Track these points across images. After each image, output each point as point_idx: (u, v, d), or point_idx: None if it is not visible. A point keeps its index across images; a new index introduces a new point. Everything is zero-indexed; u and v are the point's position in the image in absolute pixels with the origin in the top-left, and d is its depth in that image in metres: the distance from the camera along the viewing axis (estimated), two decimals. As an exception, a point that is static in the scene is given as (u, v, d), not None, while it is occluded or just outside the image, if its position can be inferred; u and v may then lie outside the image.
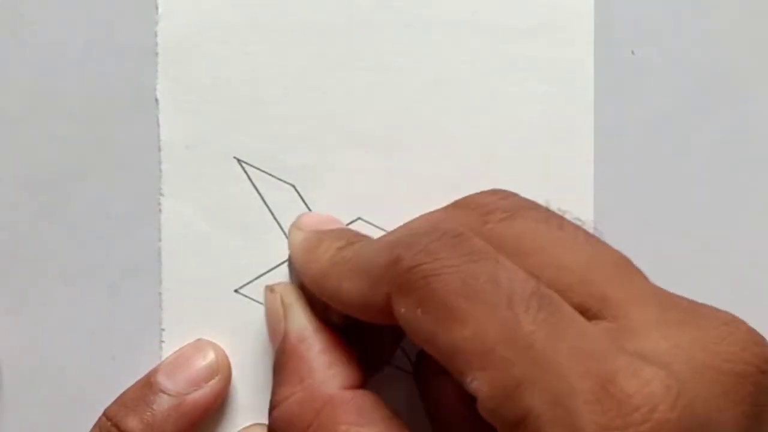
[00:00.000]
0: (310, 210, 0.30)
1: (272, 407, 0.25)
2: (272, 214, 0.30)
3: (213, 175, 0.30)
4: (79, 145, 0.30)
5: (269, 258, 0.29)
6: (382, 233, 0.30)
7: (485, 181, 0.30)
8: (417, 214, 0.30)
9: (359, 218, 0.30)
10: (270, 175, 0.30)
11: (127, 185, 0.30)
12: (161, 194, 0.30)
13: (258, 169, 0.30)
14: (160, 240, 0.30)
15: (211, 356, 0.29)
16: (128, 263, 0.30)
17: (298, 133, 0.30)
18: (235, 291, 0.30)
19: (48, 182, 0.30)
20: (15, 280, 0.30)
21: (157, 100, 0.30)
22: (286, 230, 0.30)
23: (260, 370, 0.29)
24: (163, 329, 0.30)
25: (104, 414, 0.28)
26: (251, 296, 0.30)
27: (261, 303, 0.28)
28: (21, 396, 0.30)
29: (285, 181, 0.30)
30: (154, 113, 0.30)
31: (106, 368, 0.30)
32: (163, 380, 0.28)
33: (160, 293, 0.30)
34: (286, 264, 0.30)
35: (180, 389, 0.28)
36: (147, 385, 0.28)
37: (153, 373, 0.29)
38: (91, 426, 0.29)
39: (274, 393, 0.25)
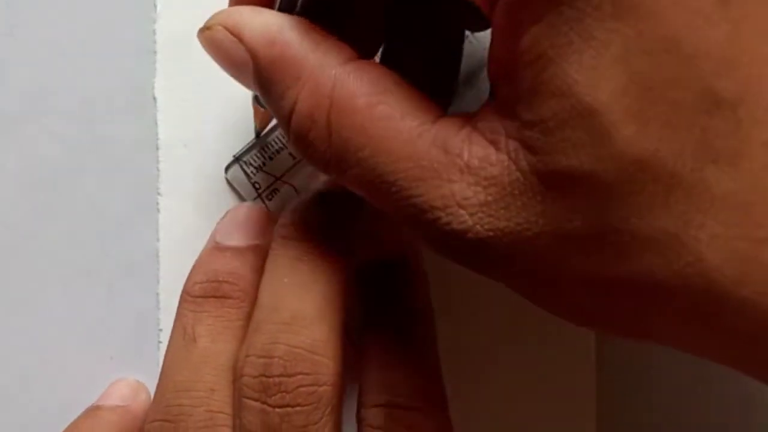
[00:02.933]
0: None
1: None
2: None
3: (211, 175, 0.30)
4: (76, 143, 0.30)
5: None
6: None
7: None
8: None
9: (359, 218, 0.30)
10: (269, 174, 0.30)
11: (125, 184, 0.30)
12: (159, 193, 0.30)
13: (256, 168, 0.30)
14: (157, 240, 0.30)
15: None
16: (126, 263, 0.30)
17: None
18: (234, 291, 0.30)
19: (45, 181, 0.30)
20: (12, 280, 0.30)
21: (155, 98, 0.30)
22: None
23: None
24: (160, 330, 0.30)
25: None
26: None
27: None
28: (18, 396, 0.30)
29: (284, 181, 0.30)
30: (152, 112, 0.30)
31: (104, 368, 0.30)
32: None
33: (157, 293, 0.30)
34: None
35: None
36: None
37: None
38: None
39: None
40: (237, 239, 0.28)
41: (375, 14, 0.25)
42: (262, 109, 0.28)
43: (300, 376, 0.24)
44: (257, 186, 0.29)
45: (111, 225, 0.30)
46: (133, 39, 0.30)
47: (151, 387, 0.30)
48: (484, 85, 0.29)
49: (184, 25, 0.29)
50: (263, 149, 0.29)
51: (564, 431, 0.30)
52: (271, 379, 0.24)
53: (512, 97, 0.20)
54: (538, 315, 0.30)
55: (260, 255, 0.27)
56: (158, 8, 0.29)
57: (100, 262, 0.30)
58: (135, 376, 0.30)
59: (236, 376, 0.25)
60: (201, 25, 0.29)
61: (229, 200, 0.30)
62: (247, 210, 0.29)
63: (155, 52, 0.29)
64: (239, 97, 0.29)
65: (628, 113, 0.18)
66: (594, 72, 0.18)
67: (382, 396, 0.26)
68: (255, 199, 0.29)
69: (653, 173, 0.18)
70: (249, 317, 0.26)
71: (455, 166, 0.20)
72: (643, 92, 0.18)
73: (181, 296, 0.27)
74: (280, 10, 0.23)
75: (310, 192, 0.27)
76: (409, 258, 0.28)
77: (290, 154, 0.29)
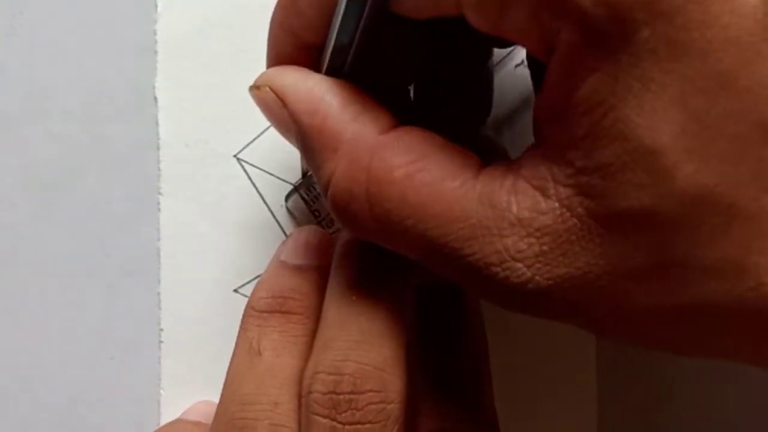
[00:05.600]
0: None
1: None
2: (272, 213, 0.30)
3: (212, 174, 0.30)
4: (78, 143, 0.30)
5: (268, 257, 0.29)
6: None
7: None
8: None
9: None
10: (270, 174, 0.30)
11: (126, 184, 0.30)
12: (160, 193, 0.30)
13: (257, 168, 0.30)
14: (158, 239, 0.30)
15: None
16: (127, 263, 0.30)
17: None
18: (235, 291, 0.30)
19: (47, 181, 0.30)
20: (13, 280, 0.30)
21: (156, 98, 0.30)
22: (286, 229, 0.30)
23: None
24: (161, 329, 0.30)
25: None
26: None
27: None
28: (19, 396, 0.30)
29: (285, 180, 0.30)
30: (153, 112, 0.30)
31: (104, 368, 0.30)
32: None
33: (158, 293, 0.30)
34: None
35: None
36: None
37: None
38: (88, 427, 0.29)
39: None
40: (301, 259, 0.28)
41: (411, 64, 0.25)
42: None
43: (370, 394, 0.24)
44: (317, 214, 0.30)
45: (112, 224, 0.30)
46: (134, 39, 0.30)
47: (151, 387, 0.30)
48: (522, 125, 0.29)
49: (185, 25, 0.29)
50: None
51: (564, 428, 0.30)
52: (341, 396, 0.24)
53: (562, 143, 0.19)
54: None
55: (323, 275, 0.27)
56: (159, 8, 0.29)
57: (101, 261, 0.30)
58: (135, 377, 0.30)
59: (304, 392, 0.25)
60: (202, 25, 0.29)
61: (230, 199, 0.30)
62: (311, 232, 0.29)
63: (156, 52, 0.30)
64: (239, 96, 0.29)
65: (687, 152, 0.18)
66: (654, 114, 0.18)
67: (436, 422, 0.26)
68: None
69: (714, 206, 0.18)
70: (313, 334, 0.26)
71: (505, 220, 0.20)
72: (702, 130, 0.18)
73: (246, 311, 0.27)
74: (328, 70, 0.23)
75: None
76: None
77: None
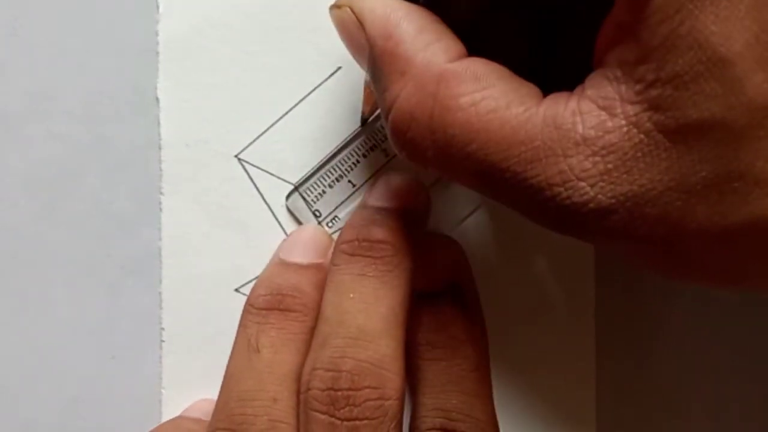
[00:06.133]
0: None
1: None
2: (273, 213, 0.30)
3: (213, 174, 0.30)
4: (79, 143, 0.30)
5: (269, 257, 0.29)
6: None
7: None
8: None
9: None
10: (271, 174, 0.30)
11: (128, 184, 0.30)
12: (162, 193, 0.30)
13: (259, 168, 0.30)
14: (160, 239, 0.30)
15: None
16: (128, 262, 0.30)
17: (300, 131, 0.30)
18: (236, 290, 0.30)
19: (48, 181, 0.30)
20: (15, 280, 0.30)
21: (157, 99, 0.30)
22: (287, 229, 0.30)
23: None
24: (163, 328, 0.30)
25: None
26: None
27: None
28: (21, 396, 0.30)
29: (286, 180, 0.30)
30: (154, 112, 0.30)
31: (106, 368, 0.30)
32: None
33: (160, 292, 0.30)
34: None
35: None
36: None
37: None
38: (89, 426, 0.29)
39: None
40: (300, 256, 0.28)
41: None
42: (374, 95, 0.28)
43: (367, 390, 0.24)
44: (317, 214, 0.30)
45: (113, 224, 0.30)
46: (135, 39, 0.30)
47: (152, 386, 0.30)
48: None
49: (187, 25, 0.30)
50: (323, 177, 0.30)
51: (564, 426, 0.30)
52: (339, 393, 0.24)
53: (632, 60, 0.20)
54: (534, 315, 0.30)
55: (322, 273, 0.28)
56: (161, 9, 0.30)
57: (102, 261, 0.30)
58: (137, 376, 0.30)
59: (303, 388, 0.25)
60: (203, 25, 0.29)
61: (231, 199, 0.30)
62: (311, 230, 0.29)
63: (157, 53, 0.30)
64: (240, 96, 0.30)
65: (758, 62, 0.18)
66: (728, 22, 0.18)
67: (438, 420, 0.26)
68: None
69: None
70: (311, 331, 0.26)
71: (570, 140, 0.20)
72: None
73: (245, 308, 0.28)
74: None
75: (368, 210, 0.28)
76: (465, 282, 0.28)
77: (350, 181, 0.30)
